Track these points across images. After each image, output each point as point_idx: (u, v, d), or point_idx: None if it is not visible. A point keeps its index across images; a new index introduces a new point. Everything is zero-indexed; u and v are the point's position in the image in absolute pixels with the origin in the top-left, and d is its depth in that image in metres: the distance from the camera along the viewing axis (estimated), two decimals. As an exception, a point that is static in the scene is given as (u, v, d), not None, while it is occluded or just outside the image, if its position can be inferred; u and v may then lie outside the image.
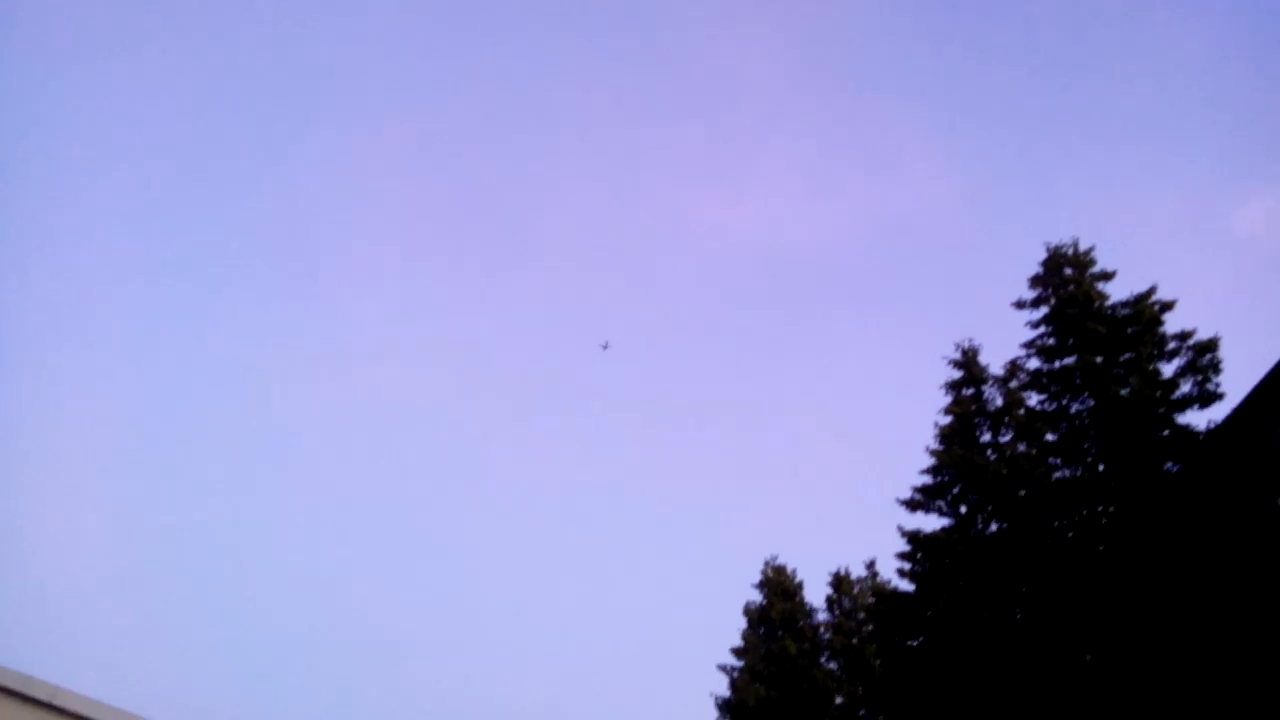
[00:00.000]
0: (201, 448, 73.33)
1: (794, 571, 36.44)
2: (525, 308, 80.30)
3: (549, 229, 79.56)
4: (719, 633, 40.17)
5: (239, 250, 77.97)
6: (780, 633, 34.39)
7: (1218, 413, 22.21)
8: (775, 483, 74.97)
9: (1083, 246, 25.33)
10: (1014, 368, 25.40)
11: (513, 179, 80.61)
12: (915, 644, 25.68)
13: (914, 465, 26.29)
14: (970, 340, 27.08)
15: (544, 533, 79.54)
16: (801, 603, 35.63)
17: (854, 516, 63.17)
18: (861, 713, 32.08)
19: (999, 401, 25.65)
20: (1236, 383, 22.41)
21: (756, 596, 36.18)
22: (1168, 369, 23.04)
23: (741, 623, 36.04)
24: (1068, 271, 25.21)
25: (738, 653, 35.34)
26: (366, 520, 78.69)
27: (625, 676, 69.95)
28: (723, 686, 35.20)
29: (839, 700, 32.71)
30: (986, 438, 25.61)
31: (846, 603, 35.23)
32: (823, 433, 73.02)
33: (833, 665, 34.13)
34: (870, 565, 35.33)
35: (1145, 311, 23.66)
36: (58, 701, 16.72)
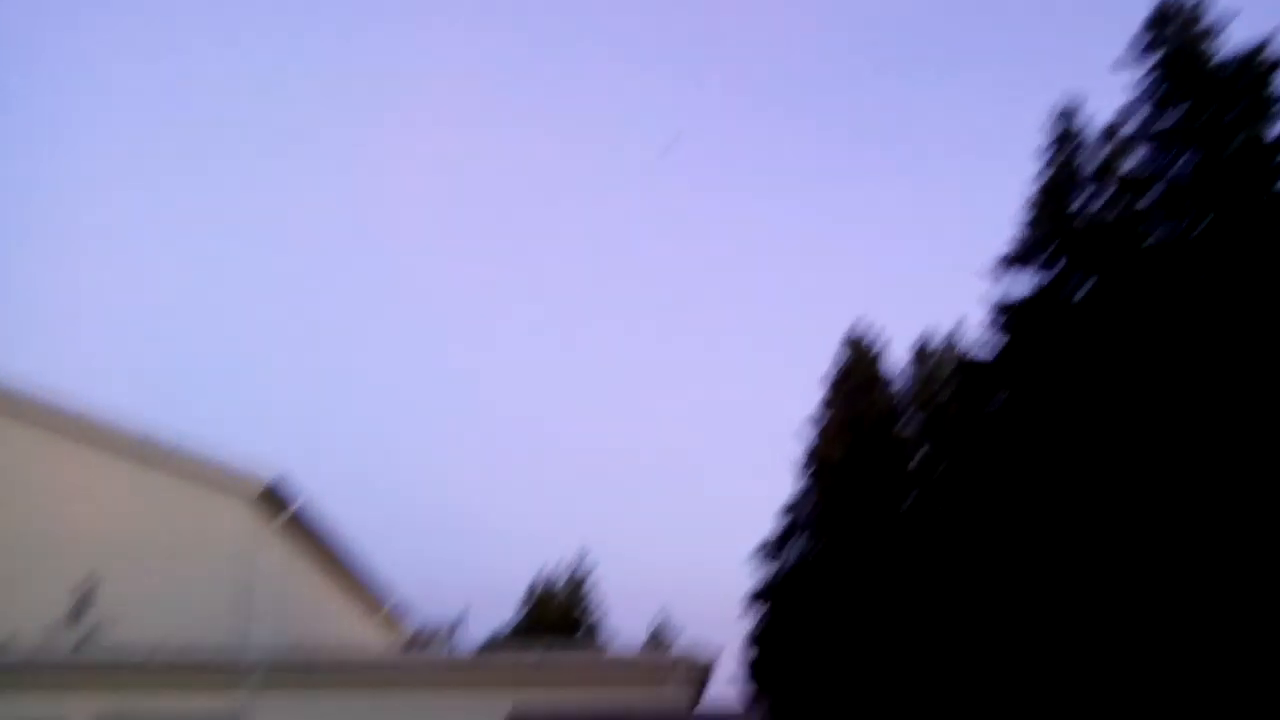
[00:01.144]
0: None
1: (878, 334, 36.85)
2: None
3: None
4: (805, 403, 41.23)
5: None
6: (860, 396, 35.14)
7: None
8: (861, 253, 74.16)
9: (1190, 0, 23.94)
10: (1113, 129, 24.53)
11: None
12: (994, 408, 26.10)
13: (1006, 233, 26.07)
14: (1070, 99, 26.16)
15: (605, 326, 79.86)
16: (883, 368, 36.20)
17: (940, 286, 62.70)
18: (936, 471, 33.02)
19: (1096, 162, 24.96)
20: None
21: (837, 362, 36.83)
22: (1276, 129, 22.03)
23: (827, 383, 36.90)
24: (1173, 27, 23.91)
25: (817, 415, 36.33)
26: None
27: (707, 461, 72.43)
28: (806, 444, 36.47)
29: (915, 460, 33.67)
30: (1081, 201, 25.10)
31: (927, 368, 35.69)
32: (907, 200, 71.25)
33: (910, 427, 34.97)
34: (953, 332, 35.51)
35: (1256, 68, 22.47)
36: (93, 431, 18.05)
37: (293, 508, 19.02)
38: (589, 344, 78.29)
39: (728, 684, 34.53)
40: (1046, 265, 25.19)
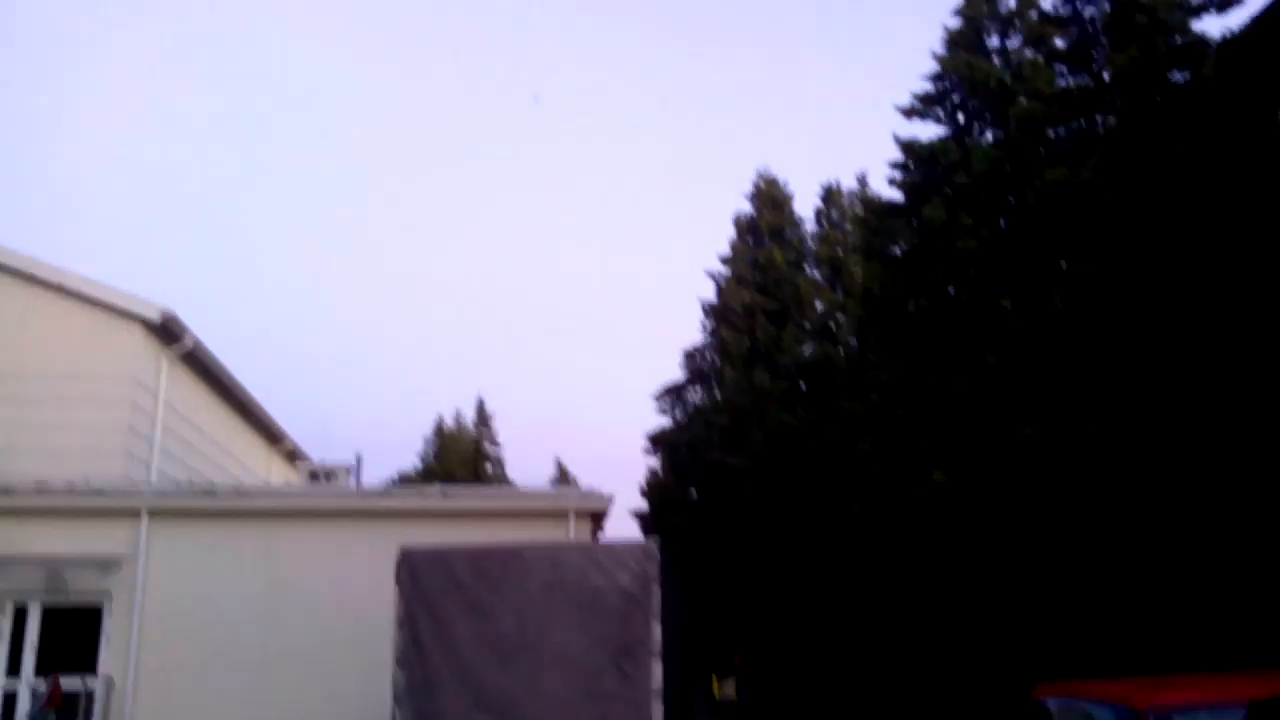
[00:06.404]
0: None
1: (785, 183, 36.70)
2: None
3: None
4: (711, 245, 41.22)
5: None
6: (767, 241, 35.18)
7: (1235, 20, 21.46)
8: (767, 95, 73.37)
9: None
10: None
11: None
12: (899, 253, 26.29)
13: (918, 72, 25.77)
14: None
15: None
16: (790, 213, 36.20)
17: (851, 132, 62.72)
18: (839, 317, 33.50)
19: (1012, 3, 24.67)
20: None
21: (747, 208, 36.69)
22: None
23: (731, 233, 36.86)
24: None
25: (725, 261, 36.34)
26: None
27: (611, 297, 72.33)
28: (710, 292, 36.58)
29: (819, 306, 34.06)
30: (995, 42, 24.90)
31: (835, 215, 35.78)
32: (817, 38, 70.15)
33: (816, 274, 35.24)
34: (862, 178, 35.56)
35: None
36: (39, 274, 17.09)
37: (189, 340, 18.30)
38: (482, 191, 76.89)
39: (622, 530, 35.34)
40: (955, 110, 25.17)
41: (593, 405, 68.27)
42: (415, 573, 9.00)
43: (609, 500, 14.80)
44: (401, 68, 75.26)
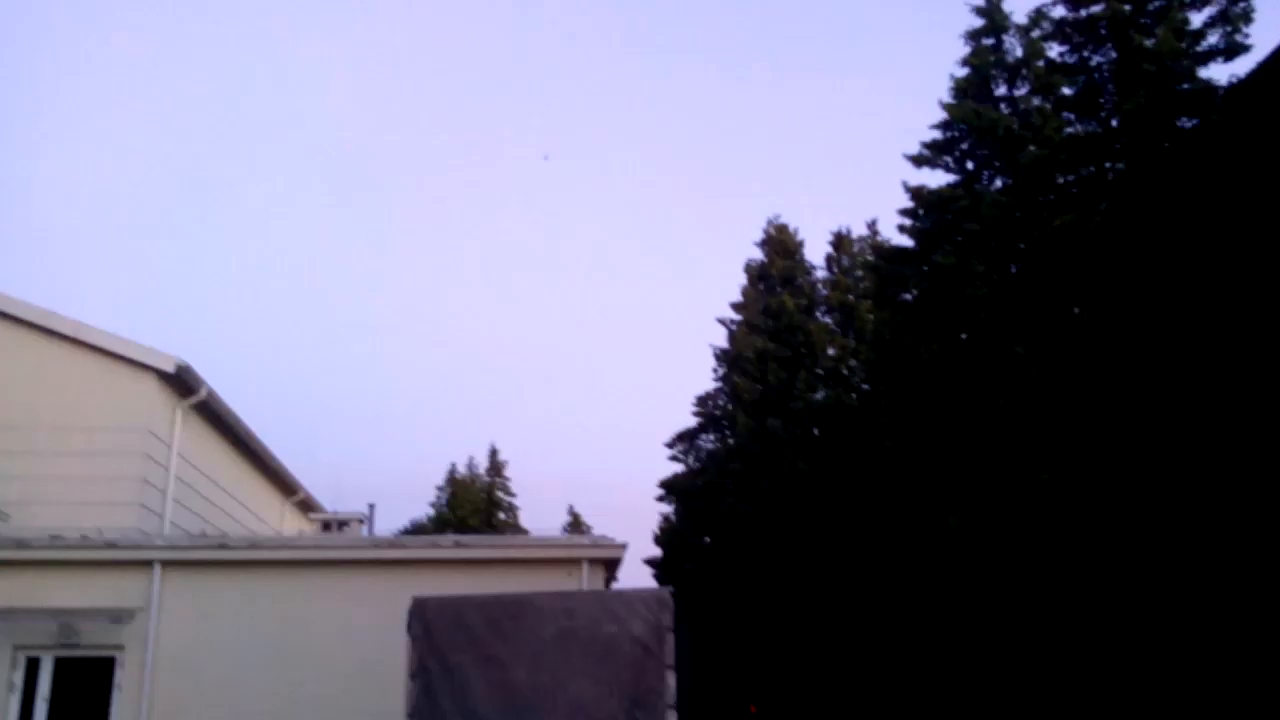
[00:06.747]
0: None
1: (795, 230, 36.89)
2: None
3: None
4: (722, 292, 41.43)
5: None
6: (779, 288, 35.30)
7: (1242, 66, 21.58)
8: (776, 143, 73.87)
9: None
10: (1039, 15, 24.35)
11: None
12: (910, 299, 26.36)
13: (926, 120, 25.88)
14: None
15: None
16: (801, 260, 36.35)
17: (860, 179, 63.15)
18: (851, 363, 33.49)
19: (1019, 52, 24.83)
20: (1266, 35, 21.63)
21: (758, 255, 36.86)
22: (1196, 19, 22.07)
23: (742, 280, 37.02)
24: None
25: (737, 307, 36.46)
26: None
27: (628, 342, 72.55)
28: (722, 339, 36.67)
29: (831, 352, 34.08)
30: (1002, 90, 25.04)
31: (846, 261, 35.91)
32: (825, 87, 70.64)
33: (828, 320, 35.30)
34: (872, 225, 35.70)
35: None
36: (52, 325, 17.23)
37: (203, 391, 18.38)
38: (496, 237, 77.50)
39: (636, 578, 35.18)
40: (963, 158, 25.28)
41: (606, 452, 68.23)
42: (428, 622, 8.98)
43: (622, 548, 14.72)
44: (414, 119, 76.04)
